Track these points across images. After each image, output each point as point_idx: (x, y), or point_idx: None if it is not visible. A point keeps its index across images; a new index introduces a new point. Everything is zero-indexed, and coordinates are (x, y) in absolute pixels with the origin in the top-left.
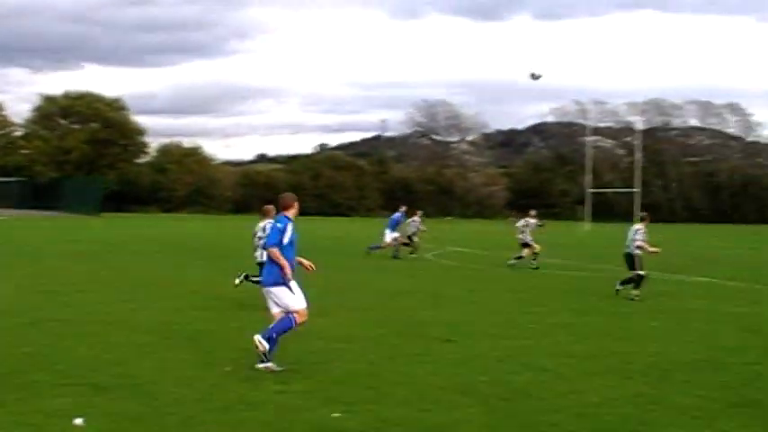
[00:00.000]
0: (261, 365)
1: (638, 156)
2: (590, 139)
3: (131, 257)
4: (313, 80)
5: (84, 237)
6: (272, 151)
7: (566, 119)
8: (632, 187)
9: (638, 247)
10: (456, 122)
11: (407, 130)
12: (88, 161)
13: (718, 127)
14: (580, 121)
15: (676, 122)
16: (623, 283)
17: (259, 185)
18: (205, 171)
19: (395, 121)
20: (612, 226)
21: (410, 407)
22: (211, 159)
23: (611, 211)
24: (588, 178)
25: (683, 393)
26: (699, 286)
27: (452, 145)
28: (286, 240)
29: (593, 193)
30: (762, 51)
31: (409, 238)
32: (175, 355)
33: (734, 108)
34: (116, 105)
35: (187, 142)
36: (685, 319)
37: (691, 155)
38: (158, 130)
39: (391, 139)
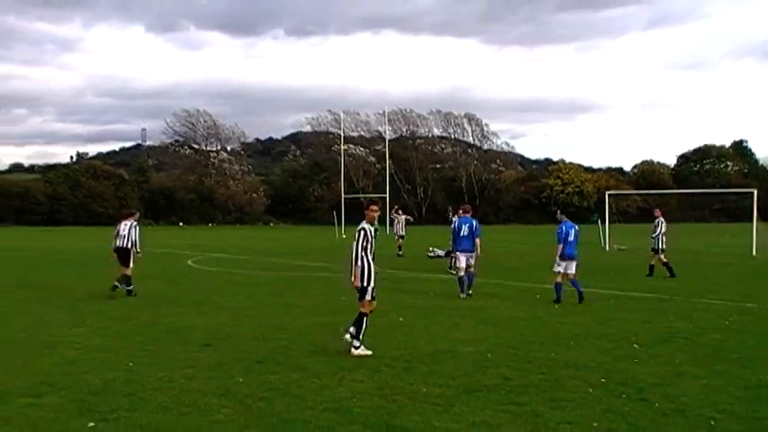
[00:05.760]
0: None
1: (388, 163)
2: (343, 147)
3: None
4: (70, 89)
5: None
6: (27, 161)
7: (321, 128)
8: (383, 192)
9: None
10: (215, 132)
11: (168, 140)
12: None
13: (458, 136)
14: (334, 130)
15: (421, 131)
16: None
17: (13, 196)
18: None
19: (155, 131)
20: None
21: (168, 412)
22: None
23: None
24: (342, 185)
25: (425, 383)
26: (441, 283)
27: (212, 154)
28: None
29: (348, 198)
30: (488, 69)
31: None
32: None
33: (471, 119)
34: None
35: None
36: (429, 314)
37: (435, 161)
38: None
39: (152, 149)
